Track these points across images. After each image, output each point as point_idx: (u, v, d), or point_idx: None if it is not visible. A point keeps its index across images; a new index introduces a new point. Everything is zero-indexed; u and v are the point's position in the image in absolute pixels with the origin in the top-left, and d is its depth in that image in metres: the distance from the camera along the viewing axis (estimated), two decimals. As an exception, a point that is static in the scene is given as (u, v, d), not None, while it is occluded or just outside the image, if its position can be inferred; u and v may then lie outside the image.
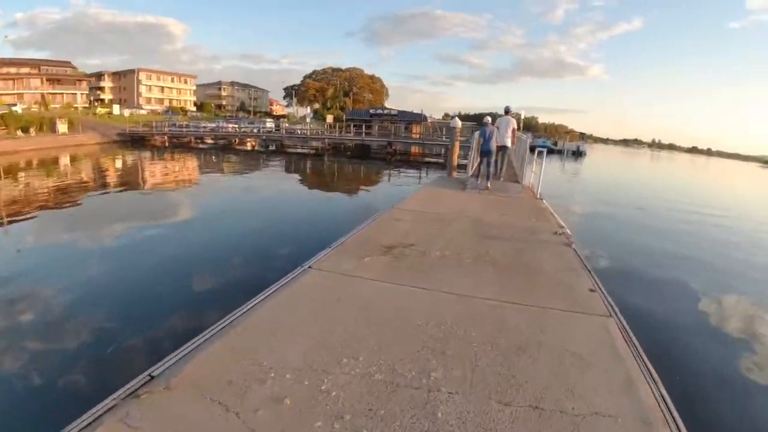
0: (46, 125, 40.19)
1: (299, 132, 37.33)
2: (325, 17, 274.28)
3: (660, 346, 4.52)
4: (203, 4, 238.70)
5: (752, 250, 10.95)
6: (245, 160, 27.05)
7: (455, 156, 12.17)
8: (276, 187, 16.23)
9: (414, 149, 33.37)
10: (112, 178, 17.74)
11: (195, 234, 9.44)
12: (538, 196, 9.14)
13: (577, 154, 54.95)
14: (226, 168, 22.34)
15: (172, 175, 19.48)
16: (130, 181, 17.06)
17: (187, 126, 41.75)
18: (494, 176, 10.43)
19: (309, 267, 4.11)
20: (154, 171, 20.52)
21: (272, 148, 35.59)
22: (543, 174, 9.34)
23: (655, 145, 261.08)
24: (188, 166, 23.06)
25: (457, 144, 12.06)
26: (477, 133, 13.01)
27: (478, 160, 13.68)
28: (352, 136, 33.16)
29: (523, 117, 27.24)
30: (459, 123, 11.83)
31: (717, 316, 6.46)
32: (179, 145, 37.57)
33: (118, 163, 23.36)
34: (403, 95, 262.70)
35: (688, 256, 9.63)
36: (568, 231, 6.20)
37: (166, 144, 37.66)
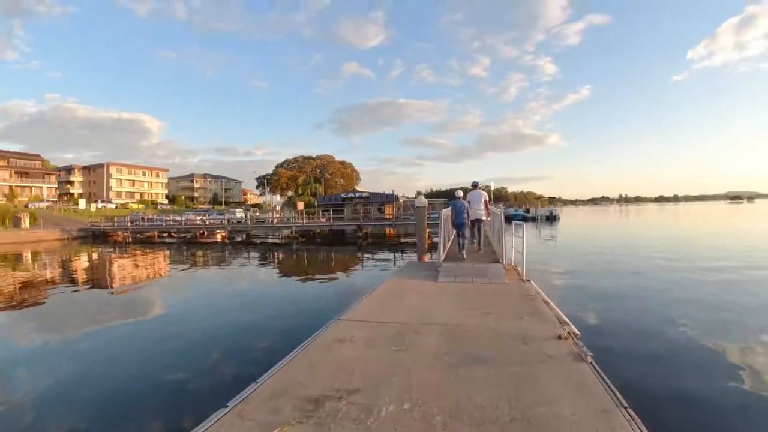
0: (9, 219, 39.56)
1: (267, 221, 36.04)
2: (294, 110, 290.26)
3: None
4: (178, 101, 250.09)
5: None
6: (205, 255, 25.18)
7: (425, 237, 10.83)
8: (222, 291, 14.23)
9: (389, 231, 32.30)
10: (48, 280, 15.56)
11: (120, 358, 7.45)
12: (524, 278, 7.69)
13: (551, 218, 55.30)
14: (173, 266, 20.31)
15: (116, 276, 17.41)
16: (67, 281, 14.95)
17: (150, 220, 40.16)
18: (475, 251, 10.44)
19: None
20: (98, 272, 18.43)
21: (240, 239, 33.96)
22: (525, 248, 7.98)
23: (623, 200, 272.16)
24: (134, 264, 21.02)
25: (425, 224, 10.78)
26: (445, 210, 11.95)
27: (451, 237, 12.51)
28: (321, 222, 32.12)
29: (493, 188, 26.86)
30: (424, 201, 10.65)
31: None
32: (142, 240, 35.91)
33: (62, 261, 21.16)
34: (376, 178, 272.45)
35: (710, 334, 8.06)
36: (575, 330, 4.66)
37: (129, 239, 36.16)
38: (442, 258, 9.24)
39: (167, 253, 26.70)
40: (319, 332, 4.62)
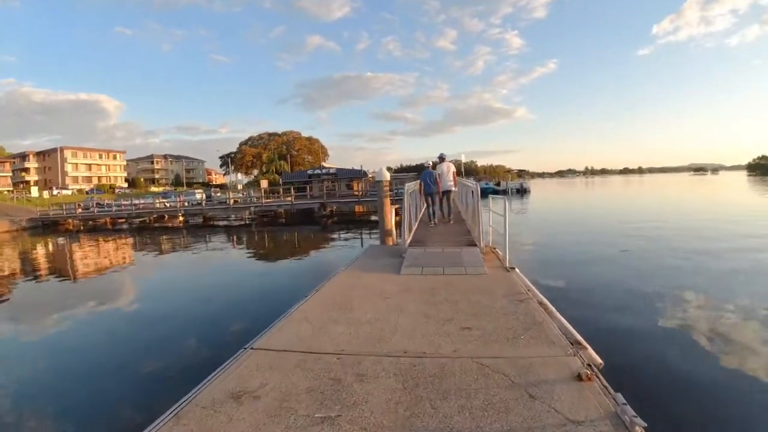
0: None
1: (225, 202, 33.58)
2: (257, 86, 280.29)
3: None
4: (135, 79, 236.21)
5: None
6: (153, 243, 22.92)
7: (388, 217, 9.24)
8: (151, 290, 12.34)
9: (359, 208, 30.60)
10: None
11: None
12: (507, 266, 6.24)
13: (522, 191, 54.93)
14: (101, 260, 18.04)
15: (30, 276, 15.14)
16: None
17: (100, 205, 37.04)
18: (445, 222, 10.52)
19: None
20: (19, 269, 16.08)
21: (197, 221, 31.58)
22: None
23: (589, 172, 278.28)
24: (61, 259, 18.67)
25: (388, 201, 9.16)
26: (409, 184, 10.69)
27: (419, 213, 11.18)
28: (283, 200, 30.04)
29: (463, 161, 25.46)
30: (386, 174, 9.00)
31: None
32: (96, 227, 33.13)
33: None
34: (345, 154, 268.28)
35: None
36: (595, 356, 3.23)
37: (81, 227, 33.42)
38: (408, 242, 7.68)
39: (110, 241, 24.28)
40: (213, 378, 2.97)
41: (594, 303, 8.04)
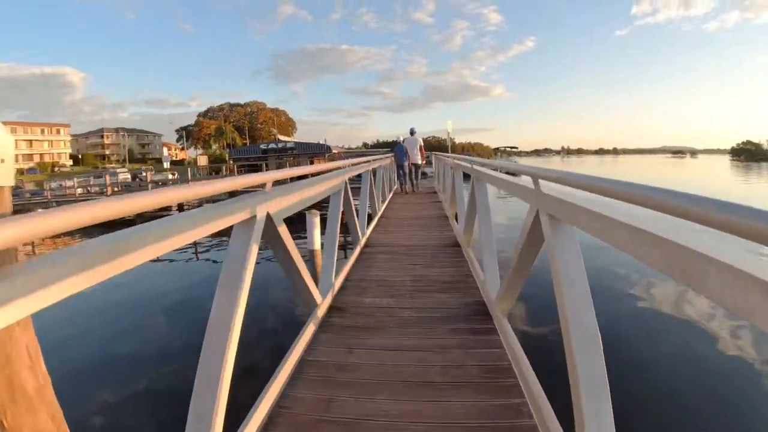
0: None
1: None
2: (227, 56, 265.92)
3: None
4: (99, 50, 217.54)
5: None
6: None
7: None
8: None
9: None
10: None
11: None
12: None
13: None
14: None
15: None
16: None
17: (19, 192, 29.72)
18: (411, 192, 11.54)
19: None
20: None
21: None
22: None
23: (565, 152, 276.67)
24: None
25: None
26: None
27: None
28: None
29: (450, 130, 20.87)
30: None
31: None
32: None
33: None
34: (321, 130, 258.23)
35: None
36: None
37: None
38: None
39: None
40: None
41: None
